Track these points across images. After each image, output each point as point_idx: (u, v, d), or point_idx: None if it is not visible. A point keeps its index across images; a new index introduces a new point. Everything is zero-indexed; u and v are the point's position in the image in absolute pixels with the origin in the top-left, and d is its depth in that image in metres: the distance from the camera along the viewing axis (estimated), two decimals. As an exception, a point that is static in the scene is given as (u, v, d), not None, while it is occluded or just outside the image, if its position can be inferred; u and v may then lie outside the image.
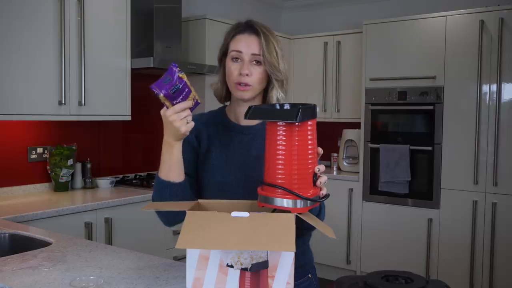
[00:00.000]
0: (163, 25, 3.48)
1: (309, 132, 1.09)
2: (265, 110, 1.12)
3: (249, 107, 1.11)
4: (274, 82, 1.40)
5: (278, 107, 1.15)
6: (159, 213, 1.41)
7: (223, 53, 1.44)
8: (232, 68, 1.38)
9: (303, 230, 1.30)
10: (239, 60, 1.38)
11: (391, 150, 3.90)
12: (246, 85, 1.36)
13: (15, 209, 2.50)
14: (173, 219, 1.41)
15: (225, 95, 1.48)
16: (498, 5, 3.53)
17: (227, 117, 1.49)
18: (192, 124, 1.23)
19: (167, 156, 1.29)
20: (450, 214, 3.71)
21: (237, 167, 1.40)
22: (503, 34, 3.46)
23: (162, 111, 1.23)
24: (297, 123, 1.05)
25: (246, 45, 1.37)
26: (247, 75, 1.36)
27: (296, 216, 1.04)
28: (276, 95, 1.42)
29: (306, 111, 1.05)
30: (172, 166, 1.30)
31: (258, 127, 1.41)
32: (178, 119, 1.20)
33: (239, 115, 1.45)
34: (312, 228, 1.17)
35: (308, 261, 1.51)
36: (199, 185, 1.47)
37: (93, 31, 2.96)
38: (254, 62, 1.37)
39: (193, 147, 1.46)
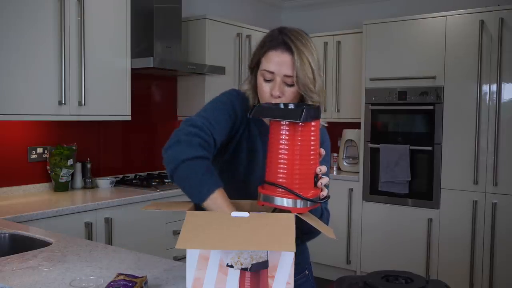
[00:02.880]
0: (163, 25, 3.48)
1: (312, 133, 1.09)
2: (269, 109, 1.12)
3: (253, 105, 1.11)
4: (308, 101, 1.30)
5: (282, 106, 1.15)
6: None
7: (256, 63, 1.35)
8: (264, 87, 1.30)
9: (305, 235, 1.30)
10: (271, 81, 1.29)
11: (391, 150, 3.90)
12: None
13: (15, 209, 2.50)
14: None
15: (257, 103, 1.39)
16: (498, 5, 3.53)
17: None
18: None
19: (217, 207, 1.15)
20: (450, 214, 3.71)
21: (258, 168, 1.37)
22: (503, 34, 3.46)
23: None
24: (300, 123, 1.05)
25: (278, 65, 1.26)
26: (279, 96, 1.28)
27: (296, 216, 1.04)
28: None
29: (310, 111, 1.05)
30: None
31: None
32: None
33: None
34: (316, 232, 1.16)
35: (305, 258, 1.53)
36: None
37: (93, 31, 2.96)
38: (287, 82, 1.28)
39: (232, 125, 1.34)
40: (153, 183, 3.28)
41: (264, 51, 1.30)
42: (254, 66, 1.36)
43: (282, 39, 1.28)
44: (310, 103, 1.29)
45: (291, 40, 1.27)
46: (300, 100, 1.32)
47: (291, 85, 1.28)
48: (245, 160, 1.38)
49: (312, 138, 1.09)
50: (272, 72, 1.27)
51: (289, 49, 1.26)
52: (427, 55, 3.78)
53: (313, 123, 1.09)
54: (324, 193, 1.14)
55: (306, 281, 1.51)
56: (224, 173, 1.36)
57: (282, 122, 1.07)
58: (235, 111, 1.34)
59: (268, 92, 1.29)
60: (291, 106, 1.14)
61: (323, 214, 1.29)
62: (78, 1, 2.87)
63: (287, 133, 1.07)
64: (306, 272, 1.52)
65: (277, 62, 1.26)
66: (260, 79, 1.31)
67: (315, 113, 1.08)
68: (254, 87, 1.37)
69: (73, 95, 2.87)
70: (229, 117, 1.32)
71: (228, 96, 1.37)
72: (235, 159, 1.39)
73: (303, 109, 1.03)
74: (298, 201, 1.07)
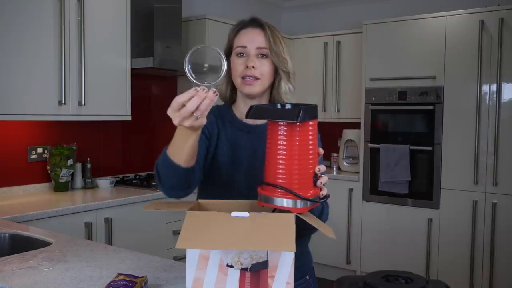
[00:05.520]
0: (163, 25, 3.48)
1: (310, 132, 1.09)
2: (266, 110, 1.12)
3: (251, 107, 1.11)
4: (282, 73, 1.38)
5: (279, 106, 1.15)
6: (166, 178, 1.22)
7: (227, 52, 1.40)
8: (237, 63, 1.35)
9: (304, 231, 1.29)
10: (244, 55, 1.35)
11: (391, 150, 3.90)
12: (254, 78, 1.34)
13: (15, 209, 2.50)
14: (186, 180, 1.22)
15: (230, 95, 1.45)
16: (498, 5, 3.53)
17: (233, 114, 1.46)
18: (203, 120, 1.06)
19: (180, 140, 1.11)
20: (450, 214, 3.71)
21: (243, 166, 1.38)
22: (503, 34, 3.46)
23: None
24: (298, 123, 1.05)
25: (251, 39, 1.34)
26: (253, 67, 1.33)
27: (296, 216, 1.04)
28: (285, 87, 1.39)
29: (307, 111, 1.05)
30: (184, 151, 1.13)
31: (265, 126, 1.33)
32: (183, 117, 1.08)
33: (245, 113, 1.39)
34: (313, 229, 1.16)
35: (306, 262, 1.50)
36: (203, 181, 1.45)
37: (93, 31, 2.96)
38: (260, 56, 1.34)
39: (204, 140, 1.39)
40: (153, 183, 3.28)
41: (236, 32, 1.38)
42: (228, 54, 1.40)
43: (252, 20, 1.38)
44: (283, 72, 1.36)
45: (261, 20, 1.38)
46: (274, 74, 1.38)
47: (264, 58, 1.34)
48: (227, 159, 1.39)
49: (310, 137, 1.09)
50: (245, 47, 1.34)
51: (260, 25, 1.36)
52: (427, 55, 3.78)
53: (310, 123, 1.09)
54: (324, 192, 1.14)
55: (307, 287, 1.48)
56: (209, 176, 1.40)
57: (279, 123, 1.07)
58: (205, 131, 1.37)
59: (242, 65, 1.34)
60: (288, 106, 1.14)
61: (323, 208, 1.29)
62: (78, 1, 2.87)
63: (285, 133, 1.07)
64: (307, 277, 1.49)
65: (250, 36, 1.35)
66: (234, 58, 1.36)
67: (312, 112, 1.08)
68: (227, 77, 1.41)
69: (73, 95, 2.87)
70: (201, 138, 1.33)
71: None
72: (214, 161, 1.40)
73: (300, 109, 1.03)
74: (298, 201, 1.07)
